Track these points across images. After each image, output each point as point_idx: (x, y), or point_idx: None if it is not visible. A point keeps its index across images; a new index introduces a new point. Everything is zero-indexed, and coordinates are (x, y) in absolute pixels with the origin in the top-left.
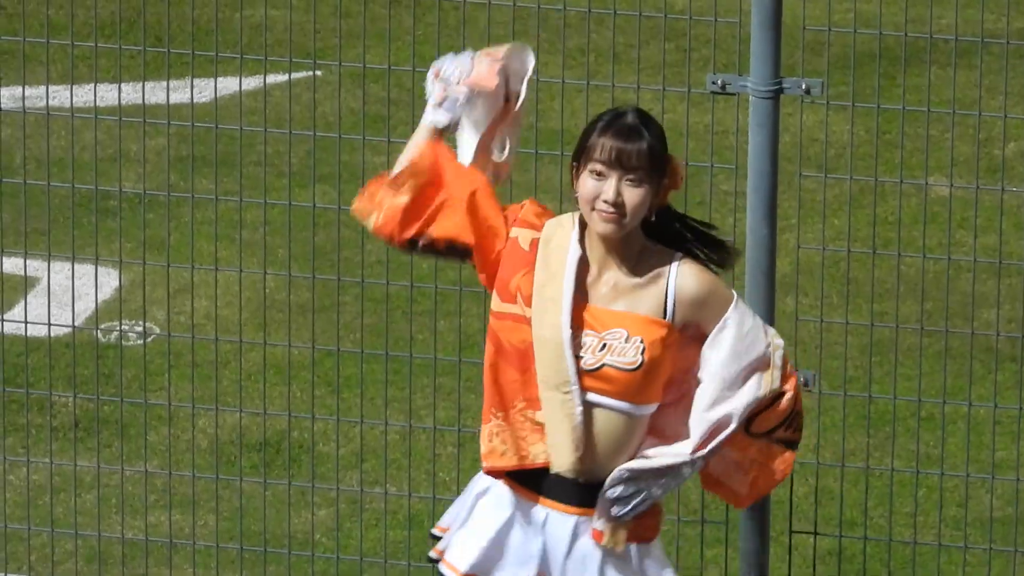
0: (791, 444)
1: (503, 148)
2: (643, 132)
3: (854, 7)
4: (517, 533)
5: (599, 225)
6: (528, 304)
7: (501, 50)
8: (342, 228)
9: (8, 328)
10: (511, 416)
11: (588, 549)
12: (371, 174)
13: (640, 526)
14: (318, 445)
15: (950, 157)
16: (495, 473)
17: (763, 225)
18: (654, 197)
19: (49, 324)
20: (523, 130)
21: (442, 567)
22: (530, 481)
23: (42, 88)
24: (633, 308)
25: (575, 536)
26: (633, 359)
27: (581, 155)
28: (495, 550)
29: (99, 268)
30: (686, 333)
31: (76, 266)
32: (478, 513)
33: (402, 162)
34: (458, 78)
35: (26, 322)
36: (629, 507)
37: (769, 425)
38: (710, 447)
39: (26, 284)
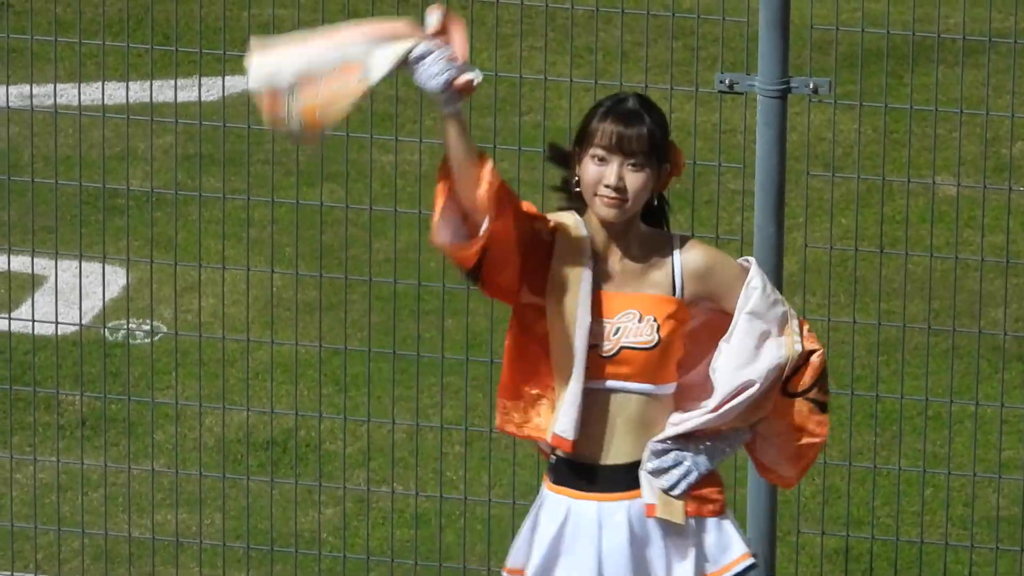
0: (823, 407)
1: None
2: (644, 117)
3: (862, 6)
4: (571, 532)
5: (602, 210)
6: (549, 295)
7: (403, 25)
8: (349, 226)
9: (15, 326)
10: (527, 395)
11: (648, 528)
12: (378, 173)
13: (699, 499)
14: (325, 444)
15: (957, 156)
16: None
17: (770, 224)
18: (656, 182)
19: (56, 322)
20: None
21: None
22: (579, 480)
23: (50, 86)
24: (642, 289)
25: (630, 520)
26: (649, 337)
27: (583, 141)
28: (553, 553)
29: (106, 266)
30: (699, 307)
31: (83, 264)
32: (539, 525)
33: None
34: (444, 62)
35: (33, 320)
36: (676, 479)
37: (805, 384)
38: (731, 404)
39: (33, 282)
